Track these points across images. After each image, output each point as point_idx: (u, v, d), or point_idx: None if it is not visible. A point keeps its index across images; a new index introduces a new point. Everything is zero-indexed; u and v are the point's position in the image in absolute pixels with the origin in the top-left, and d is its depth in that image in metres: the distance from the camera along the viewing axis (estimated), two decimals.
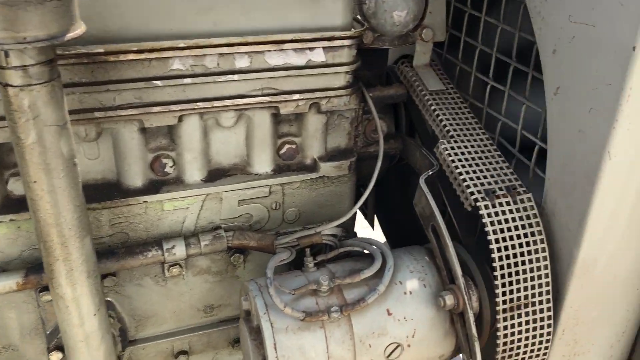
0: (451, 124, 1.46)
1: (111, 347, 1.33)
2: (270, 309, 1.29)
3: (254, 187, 1.47)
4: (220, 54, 1.30)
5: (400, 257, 1.44)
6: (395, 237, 2.26)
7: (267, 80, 1.36)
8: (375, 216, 2.27)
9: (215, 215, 1.48)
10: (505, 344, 1.32)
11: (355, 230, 2.18)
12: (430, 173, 1.44)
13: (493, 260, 1.28)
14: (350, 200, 1.60)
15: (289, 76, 1.37)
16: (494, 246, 1.28)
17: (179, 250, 1.42)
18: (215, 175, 1.46)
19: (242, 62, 1.32)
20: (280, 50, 1.33)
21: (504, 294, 1.29)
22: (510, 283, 1.29)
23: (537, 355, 1.37)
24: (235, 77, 1.33)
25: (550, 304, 1.33)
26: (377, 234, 2.45)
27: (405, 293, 1.37)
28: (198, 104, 1.33)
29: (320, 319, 1.28)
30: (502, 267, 1.28)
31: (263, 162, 1.47)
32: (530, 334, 1.33)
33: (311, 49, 1.36)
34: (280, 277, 1.37)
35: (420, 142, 1.63)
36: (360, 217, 2.39)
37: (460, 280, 1.32)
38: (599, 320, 1.42)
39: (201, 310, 1.59)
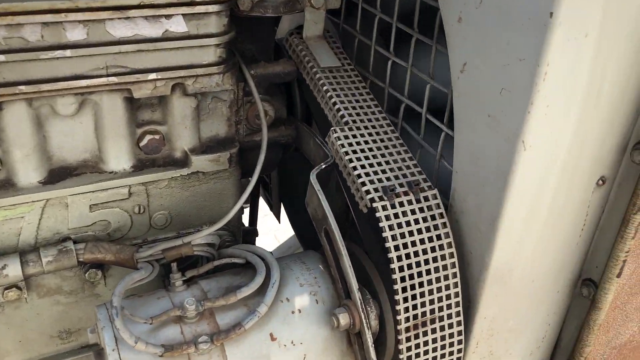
0: (346, 108, 1.24)
1: None
2: (121, 343, 1.04)
3: (108, 189, 1.20)
4: (44, 23, 1.01)
5: (290, 268, 1.22)
6: (304, 230, 2.03)
7: (112, 56, 1.08)
8: (281, 207, 2.04)
9: (62, 224, 1.20)
10: None
11: (255, 227, 1.95)
12: (324, 167, 1.22)
13: (392, 271, 1.07)
14: (235, 198, 1.35)
15: (140, 51, 1.10)
16: (393, 254, 1.07)
17: (13, 270, 1.14)
18: (59, 175, 1.18)
19: (75, 34, 1.04)
20: (126, 18, 1.06)
21: (405, 310, 1.09)
22: (414, 297, 1.09)
23: None
24: (68, 52, 1.04)
25: (461, 317, 1.14)
26: (284, 228, 2.23)
27: (293, 312, 1.15)
28: (20, 87, 1.04)
29: (185, 352, 1.04)
30: (403, 279, 1.08)
31: (119, 157, 1.20)
32: (439, 353, 1.14)
33: (167, 16, 1.09)
34: (137, 300, 1.11)
35: (318, 129, 1.40)
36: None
37: (356, 294, 1.11)
38: (517, 328, 1.26)
39: (55, 337, 1.32)
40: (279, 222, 2.11)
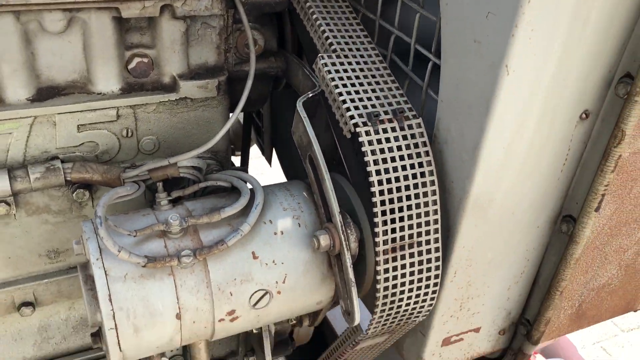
0: (335, 36, 1.24)
1: None
2: (105, 253, 1.06)
3: (96, 109, 1.21)
4: None
5: (274, 193, 1.24)
6: (296, 176, 2.05)
7: None
8: (273, 151, 2.06)
9: (50, 143, 1.22)
10: (386, 288, 1.15)
11: (246, 167, 1.97)
12: (311, 95, 1.22)
13: (372, 194, 1.09)
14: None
15: None
16: (373, 178, 1.09)
17: (1, 184, 1.16)
18: (46, 93, 1.19)
19: None
20: None
21: (384, 232, 1.11)
22: (393, 220, 1.11)
23: (424, 300, 1.22)
24: None
25: (439, 244, 1.16)
26: (276, 172, 2.25)
27: (275, 234, 1.17)
28: None
29: (168, 264, 1.07)
30: (382, 203, 1.10)
31: (108, 79, 1.21)
32: (416, 277, 1.17)
33: None
34: (122, 216, 1.14)
35: (307, 61, 1.40)
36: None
37: (337, 217, 1.13)
38: (495, 261, 1.28)
39: (44, 256, 1.35)
40: (270, 166, 2.12)
